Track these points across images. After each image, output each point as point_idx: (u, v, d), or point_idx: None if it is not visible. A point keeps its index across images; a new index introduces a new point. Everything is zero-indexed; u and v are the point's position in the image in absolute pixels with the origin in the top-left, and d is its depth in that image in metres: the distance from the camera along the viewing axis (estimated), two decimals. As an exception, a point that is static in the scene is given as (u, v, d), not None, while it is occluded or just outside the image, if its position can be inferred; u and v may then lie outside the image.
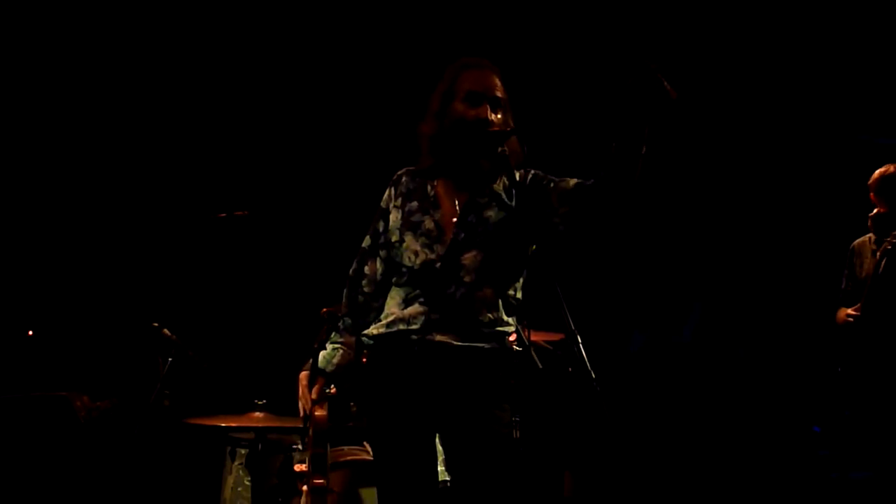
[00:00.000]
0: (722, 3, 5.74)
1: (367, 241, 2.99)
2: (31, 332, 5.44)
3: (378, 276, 2.95)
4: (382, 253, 2.94)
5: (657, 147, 2.64)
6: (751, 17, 5.77)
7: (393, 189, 2.97)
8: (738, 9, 5.74)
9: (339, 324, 3.01)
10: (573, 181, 2.84)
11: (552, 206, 2.83)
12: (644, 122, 2.65)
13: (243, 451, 4.24)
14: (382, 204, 2.98)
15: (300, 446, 4.09)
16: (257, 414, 4.13)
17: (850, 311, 4.69)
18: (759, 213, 6.08)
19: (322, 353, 3.01)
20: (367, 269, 2.96)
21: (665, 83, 2.60)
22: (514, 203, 2.85)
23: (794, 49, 5.84)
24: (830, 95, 5.92)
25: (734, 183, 6.08)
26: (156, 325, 4.40)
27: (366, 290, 2.96)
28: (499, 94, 2.88)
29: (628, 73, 2.62)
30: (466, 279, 2.80)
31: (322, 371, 3.00)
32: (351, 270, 3.00)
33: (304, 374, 3.13)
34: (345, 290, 3.01)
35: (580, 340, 2.62)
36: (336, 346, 2.99)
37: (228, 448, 4.32)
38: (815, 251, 5.76)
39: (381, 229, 2.96)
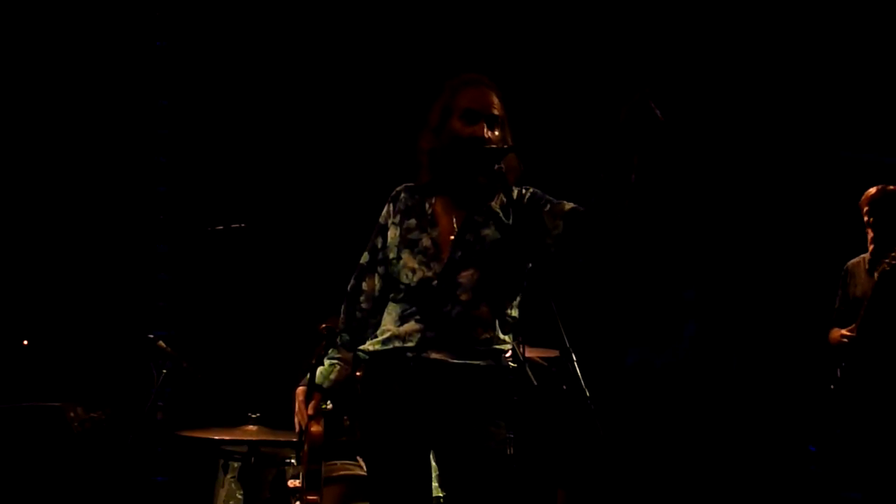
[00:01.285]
0: (718, 20, 5.76)
1: (365, 258, 3.00)
2: (25, 342, 5.43)
3: (376, 293, 2.95)
4: (380, 269, 2.95)
5: (647, 175, 2.65)
6: (749, 35, 5.80)
7: (392, 205, 2.98)
8: (736, 26, 5.77)
9: (337, 339, 3.01)
10: (569, 205, 2.86)
11: (545, 227, 2.84)
12: (633, 150, 2.65)
13: (236, 465, 4.22)
14: (381, 220, 2.99)
15: (293, 461, 4.08)
16: (251, 427, 4.12)
17: (844, 331, 4.67)
18: (753, 230, 6.09)
19: (319, 369, 3.00)
20: (365, 285, 2.97)
21: (653, 107, 2.60)
22: (511, 221, 2.86)
23: (787, 66, 5.86)
24: (825, 112, 5.94)
25: (729, 200, 6.10)
26: (151, 336, 4.40)
27: (364, 305, 2.96)
28: (496, 111, 2.88)
29: (621, 102, 2.63)
30: (463, 297, 2.80)
31: (319, 387, 3.00)
32: (349, 286, 3.01)
33: (300, 390, 3.12)
34: (343, 306, 3.01)
35: (575, 358, 2.62)
36: (334, 362, 3.00)
37: (221, 461, 4.31)
38: (810, 270, 5.76)
39: (379, 245, 2.96)
